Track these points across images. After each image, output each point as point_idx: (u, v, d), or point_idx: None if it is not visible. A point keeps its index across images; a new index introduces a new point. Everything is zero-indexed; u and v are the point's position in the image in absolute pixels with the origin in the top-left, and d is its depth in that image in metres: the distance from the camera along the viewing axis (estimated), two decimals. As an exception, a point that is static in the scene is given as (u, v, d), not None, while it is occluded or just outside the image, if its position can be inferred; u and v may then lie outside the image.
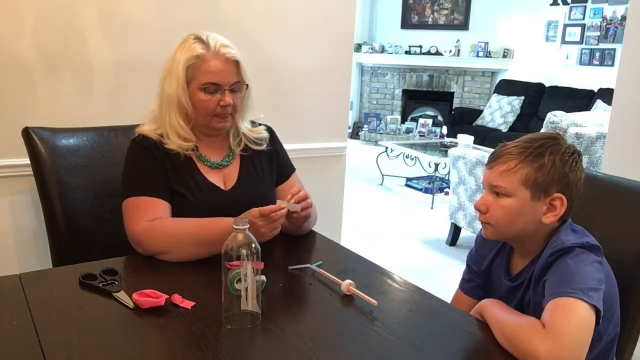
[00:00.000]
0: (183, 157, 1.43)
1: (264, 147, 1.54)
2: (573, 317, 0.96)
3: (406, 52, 7.69)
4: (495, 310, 1.07)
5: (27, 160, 1.60)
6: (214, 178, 1.46)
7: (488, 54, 7.25)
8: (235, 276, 1.03)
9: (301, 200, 1.37)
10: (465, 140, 4.78)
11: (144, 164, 1.41)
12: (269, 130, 1.60)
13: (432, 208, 4.82)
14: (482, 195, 1.18)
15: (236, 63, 1.41)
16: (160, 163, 1.41)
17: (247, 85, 1.45)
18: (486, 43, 7.22)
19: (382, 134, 7.61)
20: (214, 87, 1.39)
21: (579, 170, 1.12)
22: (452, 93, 7.64)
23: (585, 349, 0.95)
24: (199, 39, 1.40)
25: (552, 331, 0.95)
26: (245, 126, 1.52)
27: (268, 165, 1.56)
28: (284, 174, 1.60)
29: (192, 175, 1.43)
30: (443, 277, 3.28)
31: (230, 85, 1.41)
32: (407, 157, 5.77)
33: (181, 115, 1.41)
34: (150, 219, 1.34)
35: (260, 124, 1.58)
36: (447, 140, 6.16)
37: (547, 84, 6.65)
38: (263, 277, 1.12)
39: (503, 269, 1.21)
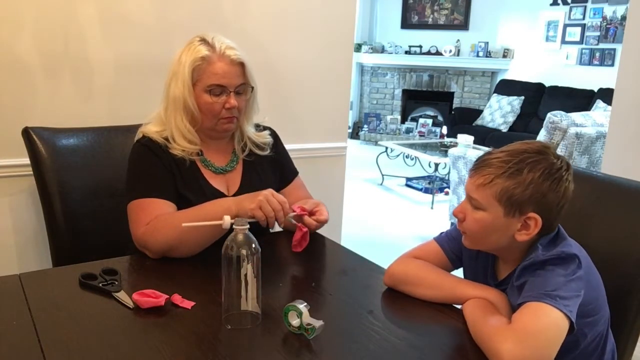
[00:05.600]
0: (189, 162, 1.42)
1: (267, 152, 1.54)
2: (541, 319, 0.95)
3: (406, 52, 7.68)
4: (472, 310, 1.06)
5: (27, 160, 1.60)
6: (218, 183, 1.46)
7: (488, 54, 7.25)
8: (289, 308, 1.01)
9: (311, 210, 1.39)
10: (465, 140, 4.78)
11: (149, 165, 1.40)
12: (273, 134, 1.60)
13: (432, 208, 4.82)
14: (462, 202, 1.14)
15: (242, 65, 1.41)
16: (166, 166, 1.40)
17: (252, 87, 1.45)
18: (486, 43, 7.22)
19: (382, 134, 7.61)
20: (219, 89, 1.39)
21: (561, 188, 1.06)
22: (452, 93, 7.64)
23: (551, 352, 0.93)
24: (204, 40, 1.40)
25: (515, 329, 0.94)
26: (250, 130, 1.52)
27: (271, 171, 1.56)
28: (287, 178, 1.60)
29: (196, 181, 1.43)
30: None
31: (236, 87, 1.40)
32: (407, 157, 5.77)
33: (187, 117, 1.41)
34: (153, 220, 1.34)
35: (264, 128, 1.58)
36: (447, 140, 6.16)
37: (547, 84, 6.65)
38: (320, 322, 1.00)
39: (489, 273, 1.19)
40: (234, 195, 1.46)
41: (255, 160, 1.53)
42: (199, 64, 1.37)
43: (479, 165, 1.09)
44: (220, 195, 1.44)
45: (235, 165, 1.51)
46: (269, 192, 1.29)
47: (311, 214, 1.40)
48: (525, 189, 1.04)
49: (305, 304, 1.00)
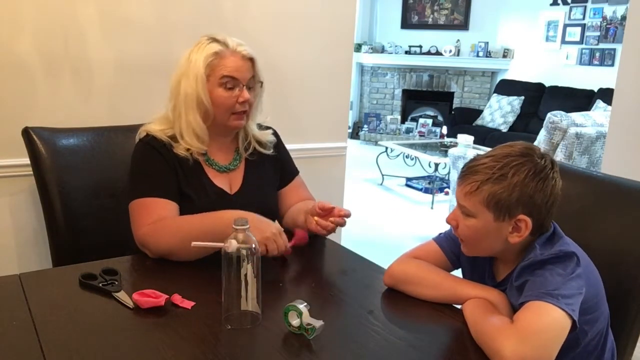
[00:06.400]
0: (192, 161, 1.43)
1: (270, 151, 1.55)
2: (544, 318, 0.95)
3: (406, 52, 7.68)
4: (472, 310, 1.07)
5: (27, 160, 1.60)
6: (221, 182, 1.47)
7: (488, 54, 7.25)
8: (289, 308, 1.01)
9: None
10: (465, 140, 4.78)
11: (152, 164, 1.40)
12: (275, 134, 1.61)
13: (432, 208, 4.82)
14: (454, 209, 1.15)
15: (252, 60, 1.44)
16: (170, 164, 1.41)
17: (261, 83, 1.47)
18: (486, 43, 7.22)
19: (382, 134, 7.61)
20: (232, 82, 1.40)
21: (548, 187, 1.06)
22: (452, 93, 7.64)
23: (553, 351, 0.93)
24: (213, 39, 1.42)
25: (517, 328, 0.94)
26: (254, 128, 1.54)
27: (272, 171, 1.57)
28: (288, 177, 1.61)
29: (200, 179, 1.44)
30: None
31: (247, 80, 1.43)
32: (407, 157, 5.77)
33: (200, 113, 1.41)
34: (155, 220, 1.33)
35: (267, 128, 1.59)
36: (447, 140, 6.16)
37: (547, 84, 6.65)
38: (320, 322, 1.00)
39: (488, 274, 1.19)
40: (236, 193, 1.47)
41: (257, 159, 1.54)
42: (212, 59, 1.39)
43: (466, 173, 1.10)
44: (223, 193, 1.45)
45: (238, 164, 1.51)
46: (277, 232, 1.27)
47: (330, 212, 1.39)
48: (511, 193, 1.05)
49: (305, 304, 1.00)
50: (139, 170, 1.42)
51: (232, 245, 1.03)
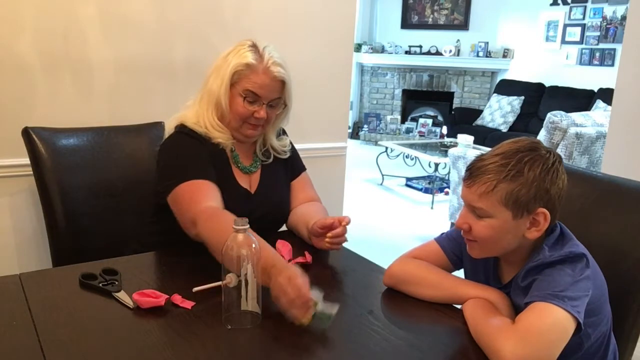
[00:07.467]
0: (225, 157, 1.45)
1: (286, 157, 1.58)
2: (546, 319, 0.95)
3: (406, 52, 7.68)
4: (473, 310, 1.06)
5: (27, 160, 1.60)
6: (243, 181, 1.50)
7: (488, 54, 7.25)
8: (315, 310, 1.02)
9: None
10: (465, 140, 4.77)
11: (195, 149, 1.41)
12: (285, 134, 1.63)
13: (432, 208, 4.82)
14: (462, 212, 1.12)
15: (282, 83, 1.44)
16: (208, 154, 1.42)
17: (285, 105, 1.48)
18: (486, 43, 7.22)
19: (382, 134, 7.60)
20: (253, 97, 1.41)
21: (560, 180, 1.07)
22: (452, 93, 7.63)
23: (554, 353, 0.93)
24: (255, 47, 1.42)
25: (518, 329, 0.94)
26: (273, 138, 1.55)
27: (284, 170, 1.60)
28: (295, 174, 1.63)
29: (227, 177, 1.46)
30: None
31: (270, 100, 1.43)
32: (407, 157, 5.77)
33: (217, 113, 1.44)
34: (212, 201, 1.32)
35: (282, 131, 1.61)
36: (447, 140, 6.16)
37: (547, 84, 6.64)
38: (334, 310, 1.02)
39: (492, 276, 1.19)
40: (255, 193, 1.50)
41: (271, 161, 1.57)
42: (242, 69, 1.40)
43: (476, 173, 1.08)
44: (245, 192, 1.48)
45: (258, 166, 1.54)
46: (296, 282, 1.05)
47: (330, 227, 1.38)
48: (529, 189, 1.04)
49: (319, 291, 1.02)
50: (180, 157, 1.42)
51: (233, 280, 1.03)
